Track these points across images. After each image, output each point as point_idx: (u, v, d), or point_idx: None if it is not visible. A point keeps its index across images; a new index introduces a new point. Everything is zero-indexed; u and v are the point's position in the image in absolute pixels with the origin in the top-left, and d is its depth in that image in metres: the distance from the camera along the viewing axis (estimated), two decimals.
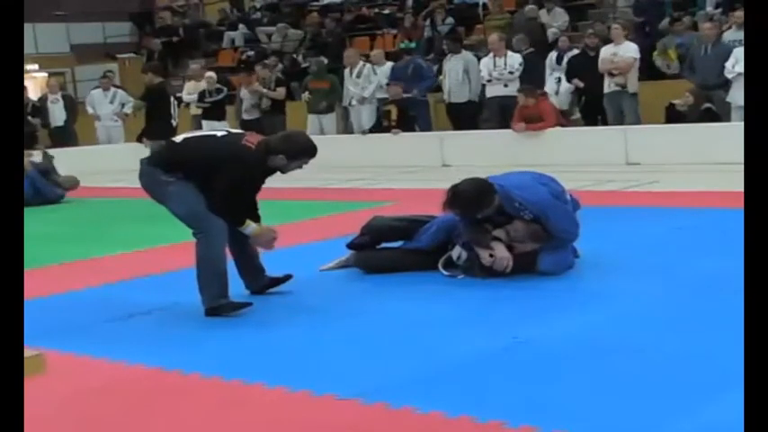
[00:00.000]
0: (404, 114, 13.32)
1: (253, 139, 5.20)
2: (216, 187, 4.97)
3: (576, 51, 13.37)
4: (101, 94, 16.44)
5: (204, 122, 15.52)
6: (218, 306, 5.06)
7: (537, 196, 5.44)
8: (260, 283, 5.50)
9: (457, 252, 5.65)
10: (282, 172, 5.29)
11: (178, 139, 5.45)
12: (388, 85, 13.77)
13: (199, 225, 5.05)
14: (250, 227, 5.12)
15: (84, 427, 3.63)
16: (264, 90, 14.86)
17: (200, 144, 5.27)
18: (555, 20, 15.56)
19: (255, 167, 5.11)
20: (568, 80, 12.93)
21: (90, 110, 16.49)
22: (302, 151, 5.23)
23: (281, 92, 14.88)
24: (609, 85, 12.07)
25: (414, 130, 13.47)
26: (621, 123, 11.99)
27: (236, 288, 5.34)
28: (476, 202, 5.38)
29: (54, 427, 3.62)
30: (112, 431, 3.57)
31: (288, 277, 5.56)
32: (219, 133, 5.35)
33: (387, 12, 19.52)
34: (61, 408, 3.82)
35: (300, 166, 5.29)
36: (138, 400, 3.84)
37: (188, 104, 15.66)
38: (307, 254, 6.85)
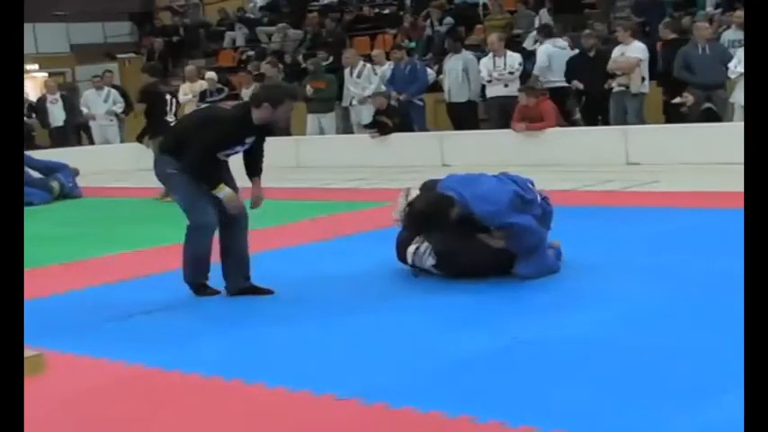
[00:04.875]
0: (397, 119, 13.31)
1: (230, 104, 5.49)
2: (190, 145, 5.24)
3: (575, 52, 13.36)
4: (94, 94, 16.37)
5: None
6: (191, 285, 5.52)
7: (496, 207, 5.39)
8: (239, 285, 5.56)
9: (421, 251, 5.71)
10: (272, 126, 5.45)
11: (172, 123, 5.96)
12: (370, 96, 13.77)
13: (189, 215, 5.40)
14: (223, 191, 5.30)
15: (84, 427, 3.64)
16: None
17: (185, 119, 5.66)
18: (555, 20, 15.53)
19: (229, 124, 5.30)
20: (568, 81, 12.92)
21: (85, 110, 16.44)
22: (284, 94, 5.37)
23: None
24: (610, 84, 12.03)
25: (412, 130, 13.48)
26: (623, 124, 11.98)
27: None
28: (427, 221, 5.45)
29: (54, 427, 3.62)
30: (112, 431, 3.57)
31: (269, 291, 5.57)
32: (203, 106, 5.57)
33: (387, 12, 19.51)
34: (61, 408, 3.82)
35: (289, 111, 5.42)
36: (138, 400, 3.84)
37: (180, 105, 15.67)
38: (307, 254, 6.85)
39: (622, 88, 11.93)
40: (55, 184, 11.84)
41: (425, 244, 5.68)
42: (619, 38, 12.22)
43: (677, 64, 11.86)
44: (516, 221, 5.39)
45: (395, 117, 13.30)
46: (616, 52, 12.09)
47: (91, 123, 16.42)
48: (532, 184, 5.79)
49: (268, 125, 5.42)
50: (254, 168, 5.65)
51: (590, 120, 12.95)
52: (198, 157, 5.25)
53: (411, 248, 5.74)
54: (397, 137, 13.25)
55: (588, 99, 12.83)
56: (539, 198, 5.71)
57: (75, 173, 12.40)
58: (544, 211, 5.69)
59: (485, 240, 5.53)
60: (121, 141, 16.11)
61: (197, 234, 5.43)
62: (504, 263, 5.50)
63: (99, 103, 16.26)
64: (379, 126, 13.37)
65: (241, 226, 5.54)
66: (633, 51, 11.95)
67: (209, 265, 5.56)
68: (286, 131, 14.86)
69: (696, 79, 11.51)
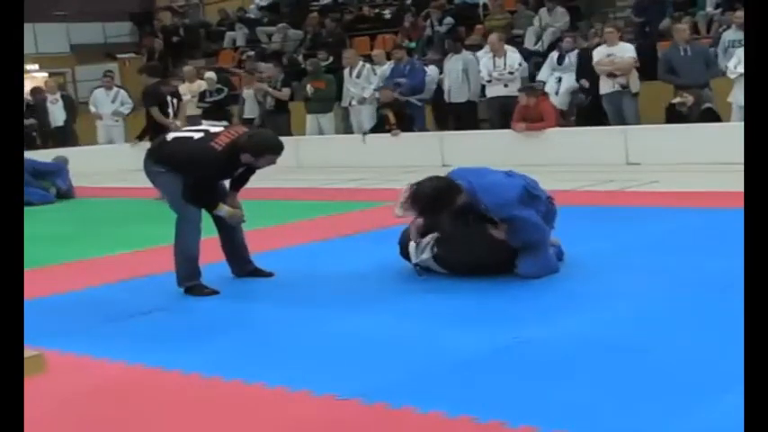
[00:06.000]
0: (401, 116, 13.32)
1: (224, 138, 5.56)
2: (185, 183, 5.51)
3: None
4: (103, 94, 16.39)
5: (204, 123, 15.53)
6: (187, 287, 5.63)
7: (503, 199, 5.39)
8: (244, 268, 6.01)
9: (419, 250, 5.71)
10: (254, 167, 5.73)
11: (169, 137, 5.94)
12: (377, 89, 13.77)
13: (177, 211, 5.64)
14: (223, 210, 5.66)
15: (84, 427, 3.63)
16: (270, 90, 14.88)
17: (179, 145, 5.73)
18: (555, 20, 15.55)
19: (218, 167, 5.56)
20: (578, 80, 12.96)
21: (93, 109, 16.46)
22: (265, 149, 5.60)
23: (286, 92, 14.90)
24: (613, 86, 12.03)
25: (412, 131, 13.48)
26: (621, 123, 11.98)
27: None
28: (433, 204, 5.42)
29: (54, 427, 3.62)
30: (112, 431, 3.57)
31: (270, 274, 5.99)
32: (197, 135, 5.73)
33: (387, 12, 19.52)
34: (61, 408, 3.82)
35: (271, 162, 5.67)
36: (138, 400, 3.84)
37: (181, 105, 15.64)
38: (307, 254, 6.85)
39: (619, 88, 11.94)
40: (53, 191, 11.83)
41: (428, 237, 5.69)
42: (607, 39, 12.21)
43: (661, 67, 11.90)
44: (520, 215, 5.39)
45: (401, 110, 13.29)
46: (600, 53, 12.10)
47: (97, 123, 16.43)
48: (537, 184, 5.80)
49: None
50: (238, 183, 5.92)
51: (594, 119, 12.94)
52: (195, 199, 5.56)
53: (413, 243, 5.74)
54: (397, 137, 13.25)
55: (593, 98, 12.82)
56: (544, 196, 5.72)
57: (65, 162, 12.35)
58: (548, 210, 5.69)
59: (488, 230, 5.53)
60: (126, 141, 16.10)
61: (185, 227, 5.62)
62: (504, 258, 5.50)
63: (107, 104, 16.27)
64: (384, 121, 13.36)
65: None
66: (625, 51, 11.97)
67: (199, 267, 5.68)
68: (286, 132, 14.91)
69: (680, 81, 11.54)
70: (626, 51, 11.99)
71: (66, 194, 11.96)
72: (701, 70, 11.50)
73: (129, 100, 16.29)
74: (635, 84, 11.98)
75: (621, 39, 12.37)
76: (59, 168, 12.15)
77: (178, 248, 5.67)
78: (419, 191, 5.45)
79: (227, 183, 5.92)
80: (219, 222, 5.83)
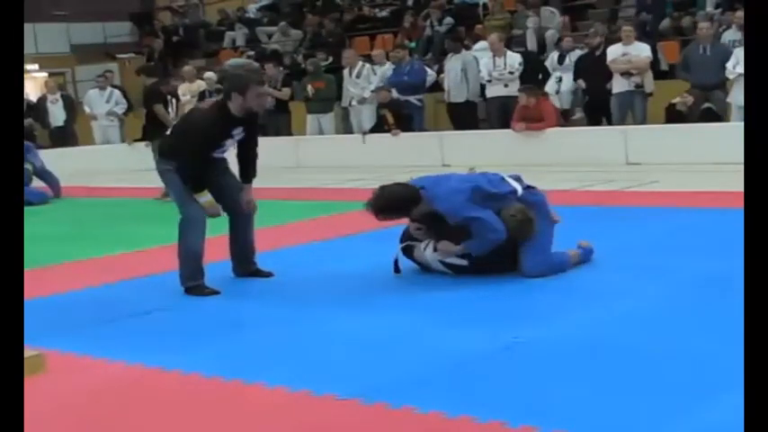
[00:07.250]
0: (400, 116, 13.33)
1: (209, 103, 5.73)
2: (180, 152, 5.51)
3: (580, 51, 13.36)
4: (97, 94, 16.41)
5: None
6: (188, 287, 5.63)
7: (453, 204, 5.45)
8: (246, 269, 6.03)
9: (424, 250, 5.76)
10: (250, 112, 5.58)
11: (169, 131, 6.04)
12: (374, 91, 13.79)
13: (181, 209, 5.65)
14: (205, 197, 5.60)
15: (84, 427, 3.63)
16: (270, 90, 14.88)
17: (175, 128, 5.87)
18: (548, 21, 15.52)
19: (210, 124, 5.49)
20: (575, 80, 12.95)
21: (87, 109, 16.47)
22: (246, 81, 5.45)
23: (286, 92, 14.90)
24: (629, 85, 11.98)
25: (411, 130, 13.49)
26: (630, 123, 11.96)
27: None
28: (389, 209, 5.62)
29: (54, 427, 3.62)
30: (112, 431, 3.57)
31: (270, 274, 6.02)
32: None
33: (387, 12, 19.51)
34: (61, 408, 3.82)
35: (262, 95, 5.59)
36: (138, 400, 3.84)
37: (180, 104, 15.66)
38: (307, 254, 6.85)
39: (633, 88, 11.92)
40: (28, 166, 11.80)
41: (427, 241, 5.72)
42: (623, 38, 12.18)
43: (679, 65, 11.87)
44: (476, 216, 5.42)
45: (399, 110, 13.30)
46: (615, 52, 12.08)
47: (92, 123, 16.44)
48: (518, 179, 5.77)
49: (248, 113, 5.59)
50: (245, 173, 5.89)
51: (593, 119, 12.94)
52: (188, 164, 5.53)
53: (421, 244, 5.77)
54: (397, 137, 13.26)
55: (592, 98, 12.82)
56: (519, 190, 5.67)
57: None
58: (529, 202, 5.65)
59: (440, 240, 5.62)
60: (122, 141, 16.10)
61: (188, 226, 5.61)
62: (507, 251, 5.50)
63: (101, 104, 16.26)
64: (382, 121, 13.37)
65: (249, 218, 5.93)
66: (641, 51, 11.94)
67: (202, 266, 5.67)
68: (286, 132, 14.93)
69: (694, 79, 11.51)
70: (642, 51, 11.96)
71: (41, 173, 12.03)
72: (716, 70, 11.39)
73: (124, 100, 16.29)
74: (650, 83, 11.97)
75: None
76: (29, 146, 12.19)
77: (182, 248, 5.66)
78: (381, 193, 5.63)
79: (237, 175, 5.88)
80: (233, 220, 5.89)
